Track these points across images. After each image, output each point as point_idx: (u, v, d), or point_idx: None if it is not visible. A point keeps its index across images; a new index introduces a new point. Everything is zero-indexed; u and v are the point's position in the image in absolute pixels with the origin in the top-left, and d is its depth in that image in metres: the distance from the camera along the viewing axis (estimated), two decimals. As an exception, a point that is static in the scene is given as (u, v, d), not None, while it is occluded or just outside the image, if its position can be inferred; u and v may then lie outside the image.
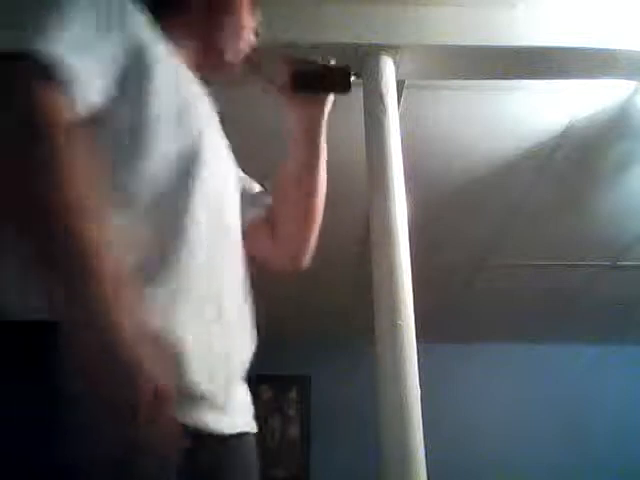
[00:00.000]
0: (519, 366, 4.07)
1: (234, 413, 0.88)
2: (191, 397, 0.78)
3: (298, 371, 3.95)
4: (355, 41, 1.85)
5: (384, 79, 1.79)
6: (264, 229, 1.12)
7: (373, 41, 1.85)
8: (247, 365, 0.92)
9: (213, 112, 0.98)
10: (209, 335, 0.83)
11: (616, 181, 2.68)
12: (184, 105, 0.88)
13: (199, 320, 0.82)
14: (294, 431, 3.95)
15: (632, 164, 2.58)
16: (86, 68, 0.73)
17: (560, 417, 3.92)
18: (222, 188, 0.94)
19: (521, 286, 3.49)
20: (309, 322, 3.70)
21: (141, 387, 0.65)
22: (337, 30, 1.87)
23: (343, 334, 3.76)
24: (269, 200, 1.13)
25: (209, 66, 1.04)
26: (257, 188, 1.15)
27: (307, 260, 1.12)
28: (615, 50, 1.90)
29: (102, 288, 0.66)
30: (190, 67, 0.98)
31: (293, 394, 4.04)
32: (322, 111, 1.12)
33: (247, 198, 1.10)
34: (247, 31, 1.06)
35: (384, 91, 1.76)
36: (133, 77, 0.81)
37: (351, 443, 3.61)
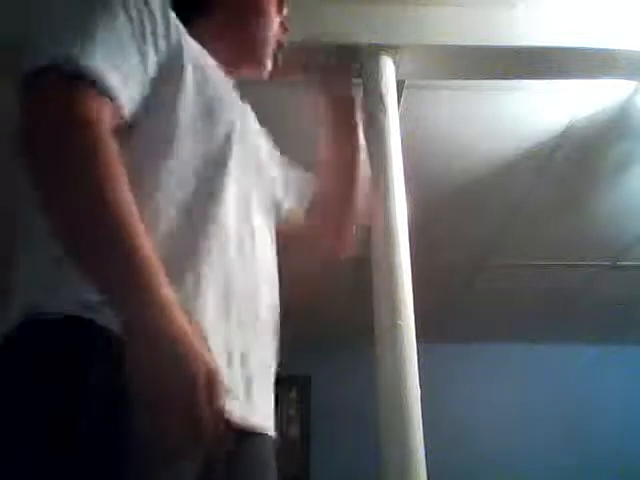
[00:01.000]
0: (519, 366, 4.07)
1: (255, 412, 0.88)
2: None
3: (298, 371, 3.95)
4: (355, 41, 1.85)
5: (384, 79, 1.78)
6: (310, 214, 1.14)
7: (373, 41, 1.85)
8: (272, 367, 0.93)
9: (247, 107, 0.99)
10: (228, 330, 0.84)
11: (616, 181, 2.68)
12: (215, 103, 0.89)
13: (221, 313, 0.82)
14: (294, 431, 3.95)
15: (632, 164, 2.58)
16: (120, 79, 0.75)
17: (560, 417, 3.92)
18: (252, 186, 0.96)
19: (521, 286, 3.49)
20: (309, 322, 3.70)
21: (197, 369, 0.64)
22: (337, 30, 1.87)
23: (343, 334, 3.76)
24: (314, 185, 1.15)
25: (241, 66, 1.06)
26: (302, 173, 1.17)
27: (347, 250, 1.15)
28: (615, 50, 1.90)
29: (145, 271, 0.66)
30: (222, 69, 0.99)
31: (293, 394, 4.03)
32: (350, 93, 1.13)
33: (292, 183, 1.12)
34: (276, 28, 1.08)
35: (384, 91, 1.76)
36: (167, 81, 0.83)
37: (351, 443, 3.61)
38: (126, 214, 0.68)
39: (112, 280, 0.67)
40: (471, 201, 2.81)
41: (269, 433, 0.93)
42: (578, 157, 2.55)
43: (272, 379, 0.95)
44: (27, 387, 0.69)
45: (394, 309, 1.41)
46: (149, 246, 0.69)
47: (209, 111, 0.88)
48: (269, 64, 1.07)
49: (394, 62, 1.84)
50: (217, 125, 0.89)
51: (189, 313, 0.72)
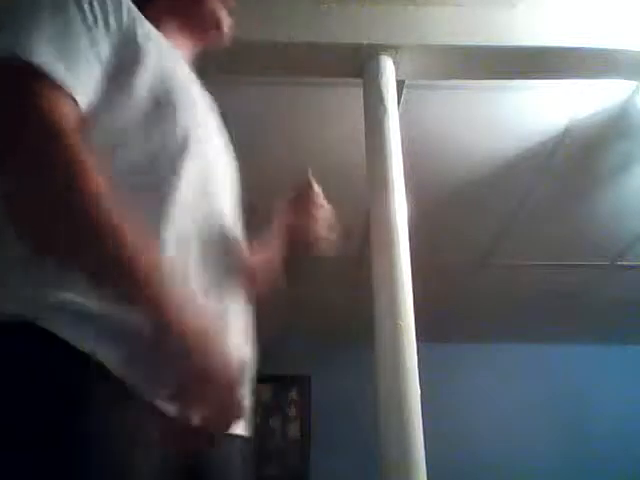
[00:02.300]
0: (519, 366, 4.07)
1: None
2: None
3: (298, 371, 3.95)
4: (355, 41, 1.85)
5: (384, 79, 1.79)
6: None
7: (373, 41, 1.85)
8: (249, 369, 0.90)
9: (208, 99, 0.98)
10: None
11: (616, 181, 2.68)
12: (177, 89, 0.88)
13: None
14: (294, 431, 3.95)
15: (632, 164, 2.58)
16: (73, 71, 0.74)
17: (560, 417, 3.92)
18: (216, 180, 0.93)
19: (521, 286, 3.49)
20: (309, 322, 3.70)
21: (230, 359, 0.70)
22: (337, 30, 1.87)
23: (343, 334, 3.76)
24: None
25: (201, 36, 1.07)
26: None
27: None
28: (615, 50, 1.90)
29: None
30: (179, 48, 1.00)
31: (293, 394, 4.04)
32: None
33: None
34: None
35: (384, 91, 1.76)
36: (123, 68, 0.81)
37: (351, 443, 3.61)
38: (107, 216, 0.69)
39: (137, 294, 0.69)
40: (471, 201, 2.81)
41: (244, 434, 0.90)
42: (578, 157, 2.55)
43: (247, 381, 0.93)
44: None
45: (394, 309, 1.41)
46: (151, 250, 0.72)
47: (167, 103, 0.85)
48: (226, 26, 1.08)
49: (394, 62, 1.84)
50: (175, 122, 0.86)
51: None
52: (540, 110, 2.34)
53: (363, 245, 1.49)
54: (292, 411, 4.01)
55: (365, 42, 1.84)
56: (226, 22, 1.07)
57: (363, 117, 1.78)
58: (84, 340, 0.68)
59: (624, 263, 3.25)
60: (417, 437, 1.29)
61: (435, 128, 2.41)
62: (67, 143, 0.69)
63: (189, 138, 0.86)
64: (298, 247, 1.10)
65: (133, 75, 0.82)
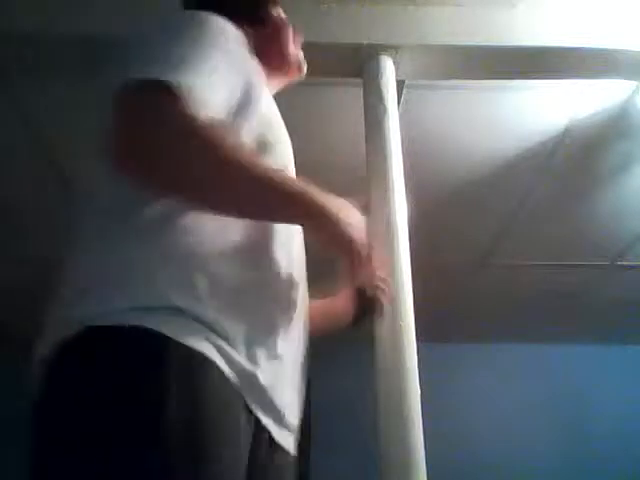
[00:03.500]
0: (519, 366, 4.06)
1: (286, 428, 0.94)
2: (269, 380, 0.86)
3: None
4: (355, 41, 1.85)
5: (384, 79, 1.78)
6: None
7: (373, 41, 1.85)
8: (304, 389, 0.98)
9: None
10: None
11: (616, 181, 2.68)
12: (275, 127, 1.01)
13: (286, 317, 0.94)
14: (294, 431, 3.94)
15: (632, 164, 2.58)
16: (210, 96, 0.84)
17: (560, 417, 3.92)
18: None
19: (521, 286, 3.49)
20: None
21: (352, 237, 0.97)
22: (337, 30, 1.87)
23: (343, 334, 3.75)
24: None
25: (284, 73, 1.21)
26: None
27: None
28: (615, 50, 1.90)
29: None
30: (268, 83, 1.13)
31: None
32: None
33: None
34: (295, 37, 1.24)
35: (384, 91, 1.75)
36: (243, 105, 0.92)
37: (351, 443, 3.61)
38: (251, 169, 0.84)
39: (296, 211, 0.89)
40: (471, 201, 2.81)
41: (292, 452, 0.97)
42: (578, 157, 2.55)
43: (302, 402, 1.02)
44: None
45: (394, 309, 1.41)
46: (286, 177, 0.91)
47: (268, 142, 0.97)
48: (304, 66, 1.24)
49: (394, 62, 1.84)
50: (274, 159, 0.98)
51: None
52: (540, 110, 2.34)
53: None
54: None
55: (365, 42, 1.84)
56: (304, 62, 1.23)
57: (363, 117, 1.77)
58: (201, 344, 0.77)
59: (624, 263, 3.25)
60: (417, 437, 1.29)
61: (435, 128, 2.41)
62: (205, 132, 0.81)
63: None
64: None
65: (249, 111, 0.93)
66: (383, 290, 1.24)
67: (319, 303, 1.21)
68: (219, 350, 0.78)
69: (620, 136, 2.43)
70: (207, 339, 0.78)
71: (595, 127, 2.39)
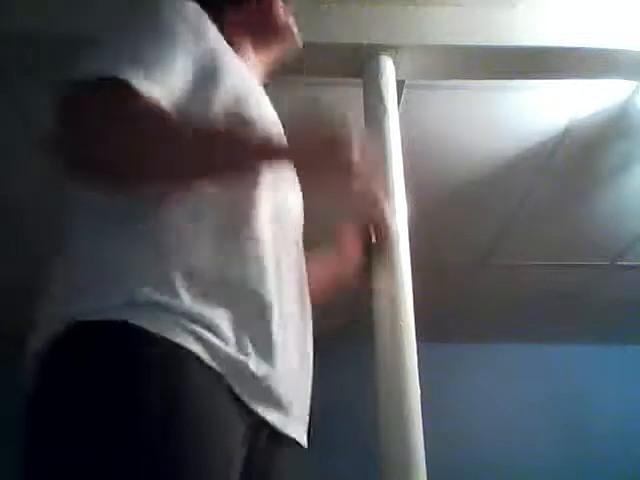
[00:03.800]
0: (519, 366, 4.06)
1: (294, 418, 0.92)
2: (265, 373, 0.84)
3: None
4: (355, 41, 1.85)
5: (384, 79, 1.78)
6: None
7: (373, 41, 1.85)
8: (309, 382, 0.96)
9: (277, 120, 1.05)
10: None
11: (616, 181, 2.68)
12: (251, 108, 0.96)
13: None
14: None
15: (632, 164, 2.58)
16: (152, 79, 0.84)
17: (560, 417, 3.92)
18: (286, 195, 1.01)
19: (521, 286, 3.49)
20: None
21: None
22: (337, 30, 1.87)
23: (343, 334, 3.76)
24: None
25: (271, 50, 1.17)
26: None
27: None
28: (615, 50, 1.90)
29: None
30: (253, 63, 1.11)
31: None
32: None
33: None
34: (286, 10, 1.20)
35: (384, 91, 1.75)
36: (201, 82, 0.90)
37: (351, 443, 3.61)
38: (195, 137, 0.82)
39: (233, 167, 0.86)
40: (471, 201, 2.81)
41: (302, 443, 0.95)
42: (578, 157, 2.55)
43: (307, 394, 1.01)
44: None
45: (394, 309, 1.40)
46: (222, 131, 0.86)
47: (242, 124, 0.93)
48: (296, 33, 1.20)
49: (394, 62, 1.84)
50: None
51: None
52: (540, 110, 2.34)
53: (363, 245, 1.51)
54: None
55: (365, 42, 1.84)
56: (295, 29, 1.19)
57: (363, 117, 1.77)
58: (180, 335, 0.77)
59: (624, 263, 3.25)
60: (417, 437, 1.29)
61: (435, 128, 2.41)
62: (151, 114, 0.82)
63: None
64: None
65: (212, 91, 0.91)
66: (387, 215, 1.19)
67: (320, 263, 1.20)
68: (202, 342, 0.78)
69: (620, 136, 2.43)
70: (190, 331, 0.78)
71: (595, 127, 2.39)
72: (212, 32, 0.97)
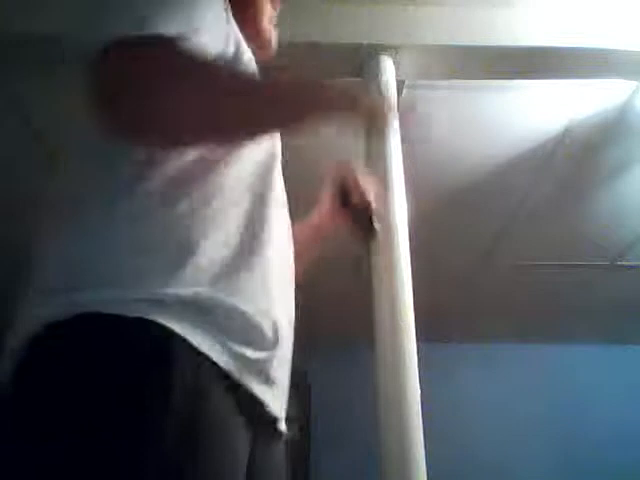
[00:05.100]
0: (518, 366, 4.07)
1: (283, 407, 0.94)
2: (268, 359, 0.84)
3: (297, 371, 3.94)
4: (355, 41, 1.85)
5: (384, 79, 1.78)
6: None
7: (373, 41, 1.85)
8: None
9: None
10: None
11: (616, 181, 2.68)
12: None
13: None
14: (294, 432, 3.94)
15: (632, 164, 2.58)
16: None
17: (560, 416, 3.92)
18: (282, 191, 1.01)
19: (521, 286, 3.49)
20: (308, 322, 3.69)
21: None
22: (337, 30, 1.87)
23: (343, 334, 3.76)
24: None
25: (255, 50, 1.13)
26: None
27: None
28: (615, 50, 1.90)
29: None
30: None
31: (292, 395, 4.03)
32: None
33: None
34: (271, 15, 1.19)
35: (384, 91, 1.75)
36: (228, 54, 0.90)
37: (351, 443, 3.61)
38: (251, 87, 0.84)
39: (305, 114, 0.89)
40: (471, 201, 2.81)
41: (285, 433, 0.96)
42: (578, 157, 2.55)
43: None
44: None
45: (394, 309, 1.41)
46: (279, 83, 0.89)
47: None
48: (274, 44, 1.18)
49: (394, 62, 1.84)
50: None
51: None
52: (540, 110, 2.34)
53: (363, 245, 1.50)
54: (291, 411, 4.00)
55: (365, 42, 1.84)
56: (275, 40, 1.18)
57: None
58: (193, 334, 0.74)
59: (624, 263, 3.25)
60: (417, 437, 1.29)
61: (435, 128, 2.41)
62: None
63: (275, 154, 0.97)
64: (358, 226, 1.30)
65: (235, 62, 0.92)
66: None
67: (306, 225, 1.23)
68: (193, 330, 0.76)
69: (620, 136, 2.43)
70: (202, 329, 0.76)
71: (595, 127, 2.39)
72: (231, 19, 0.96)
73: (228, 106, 0.79)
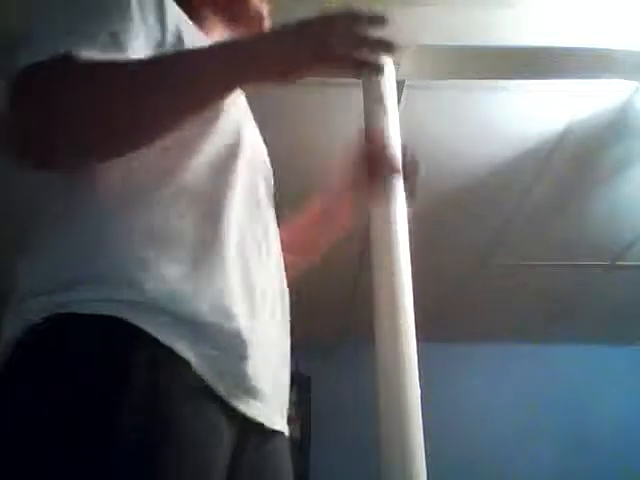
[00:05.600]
0: (519, 366, 4.07)
1: (276, 408, 0.91)
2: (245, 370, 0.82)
3: (297, 371, 3.95)
4: (355, 41, 1.85)
5: (384, 79, 1.78)
6: None
7: (373, 41, 1.85)
8: (287, 362, 0.95)
9: (246, 105, 1.02)
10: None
11: (616, 181, 2.68)
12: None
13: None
14: (294, 432, 3.95)
15: (632, 164, 2.58)
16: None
17: (560, 416, 3.92)
18: (257, 187, 0.99)
19: (521, 286, 3.49)
20: (309, 322, 3.69)
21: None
22: (337, 30, 1.87)
23: (343, 334, 3.76)
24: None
25: (241, 22, 1.10)
26: None
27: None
28: (615, 50, 1.90)
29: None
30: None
31: (292, 395, 4.02)
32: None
33: None
34: None
35: (384, 91, 1.75)
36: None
37: (351, 443, 3.61)
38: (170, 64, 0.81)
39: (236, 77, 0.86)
40: (471, 201, 2.81)
41: (285, 433, 0.95)
42: (578, 157, 2.55)
43: (287, 373, 0.98)
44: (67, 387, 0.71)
45: (394, 309, 1.40)
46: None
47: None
48: (267, 20, 1.13)
49: (394, 62, 1.84)
50: (227, 121, 0.91)
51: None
52: (540, 110, 2.34)
53: (363, 245, 1.50)
54: (292, 411, 4.00)
55: (365, 42, 1.84)
56: (267, 16, 1.13)
57: (363, 117, 1.77)
58: (166, 336, 0.75)
59: (624, 263, 3.25)
60: (417, 437, 1.29)
61: (435, 128, 2.41)
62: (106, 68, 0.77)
63: (237, 148, 0.94)
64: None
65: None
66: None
67: (303, 219, 1.19)
68: (190, 345, 0.76)
69: (620, 136, 2.43)
70: (178, 334, 0.76)
71: (595, 127, 2.39)
72: (171, 9, 0.91)
73: (137, 102, 0.77)
